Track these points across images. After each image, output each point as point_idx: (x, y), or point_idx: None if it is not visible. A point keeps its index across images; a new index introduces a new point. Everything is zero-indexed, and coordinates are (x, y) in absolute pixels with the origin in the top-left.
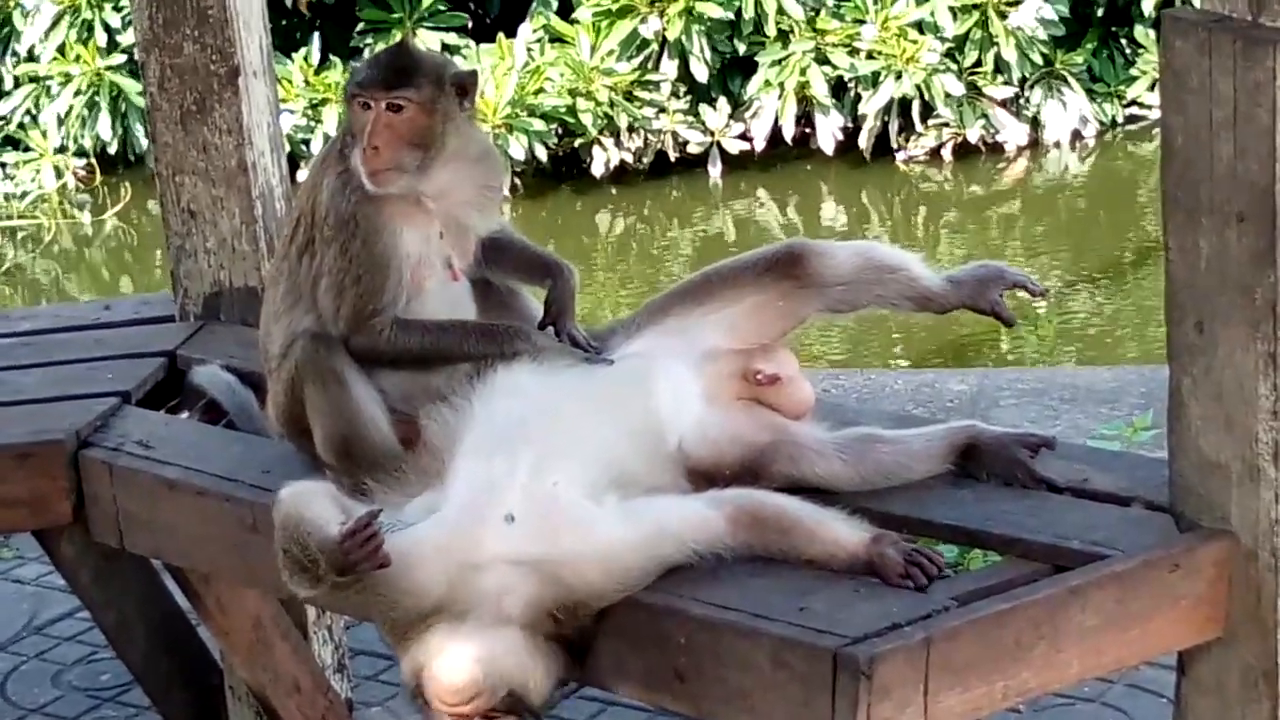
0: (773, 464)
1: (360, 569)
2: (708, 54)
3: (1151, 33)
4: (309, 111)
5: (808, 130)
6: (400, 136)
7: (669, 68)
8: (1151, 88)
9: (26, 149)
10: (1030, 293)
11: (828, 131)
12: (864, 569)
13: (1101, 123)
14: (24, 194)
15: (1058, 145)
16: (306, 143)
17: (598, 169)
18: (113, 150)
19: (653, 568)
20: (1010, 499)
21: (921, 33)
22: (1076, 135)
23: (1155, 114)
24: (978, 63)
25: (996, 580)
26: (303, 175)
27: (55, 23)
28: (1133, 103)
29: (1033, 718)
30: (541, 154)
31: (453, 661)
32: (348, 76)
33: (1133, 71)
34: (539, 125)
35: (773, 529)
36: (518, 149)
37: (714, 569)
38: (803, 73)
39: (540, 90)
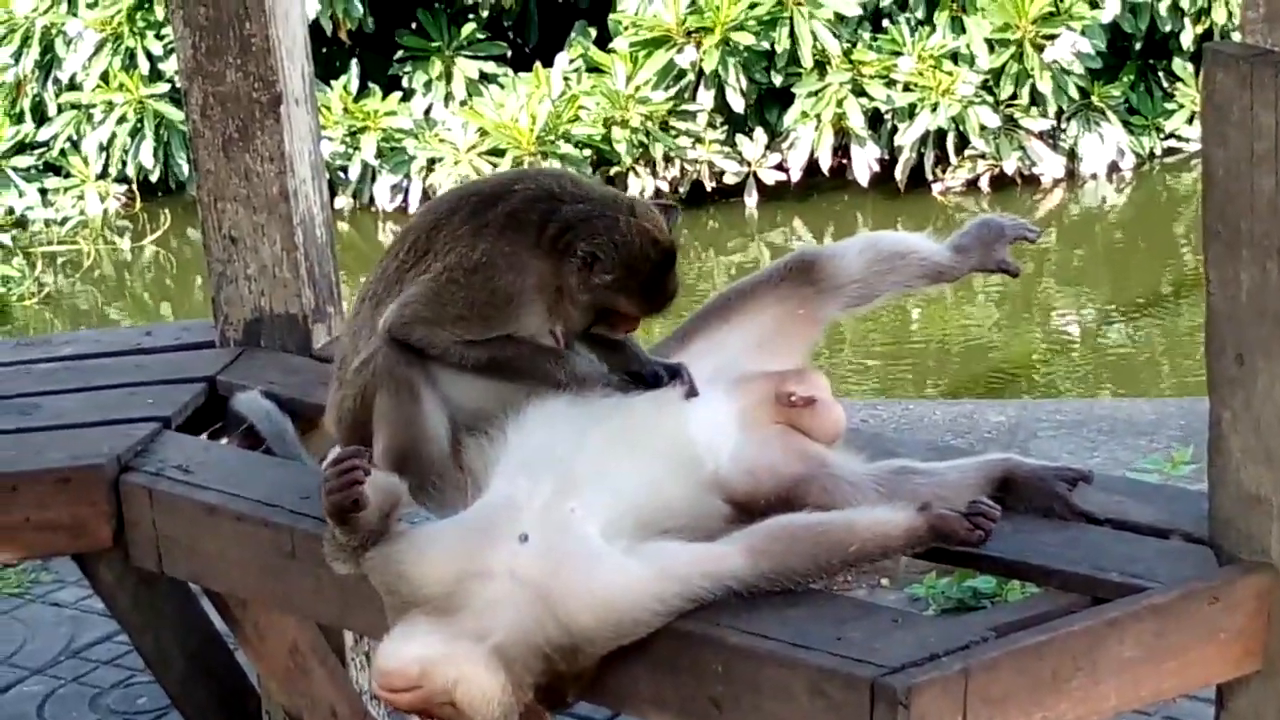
0: (808, 495)
1: (334, 499)
2: (744, 84)
3: (1189, 66)
4: (347, 139)
5: (844, 161)
6: None
7: (705, 98)
8: (1190, 120)
9: (68, 175)
10: (1029, 240)
11: (864, 163)
12: (928, 538)
13: (1139, 155)
14: (64, 220)
15: (1095, 177)
16: (344, 169)
17: None
18: (154, 177)
19: (651, 616)
20: (1048, 530)
21: (957, 64)
22: (1114, 167)
23: (1193, 146)
24: (1014, 95)
25: (1034, 612)
26: (341, 201)
27: (97, 50)
28: (1170, 135)
29: None
30: None
31: (397, 649)
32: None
33: (1170, 105)
34: (573, 152)
35: (802, 540)
36: None
37: (751, 598)
38: (839, 104)
39: (575, 118)
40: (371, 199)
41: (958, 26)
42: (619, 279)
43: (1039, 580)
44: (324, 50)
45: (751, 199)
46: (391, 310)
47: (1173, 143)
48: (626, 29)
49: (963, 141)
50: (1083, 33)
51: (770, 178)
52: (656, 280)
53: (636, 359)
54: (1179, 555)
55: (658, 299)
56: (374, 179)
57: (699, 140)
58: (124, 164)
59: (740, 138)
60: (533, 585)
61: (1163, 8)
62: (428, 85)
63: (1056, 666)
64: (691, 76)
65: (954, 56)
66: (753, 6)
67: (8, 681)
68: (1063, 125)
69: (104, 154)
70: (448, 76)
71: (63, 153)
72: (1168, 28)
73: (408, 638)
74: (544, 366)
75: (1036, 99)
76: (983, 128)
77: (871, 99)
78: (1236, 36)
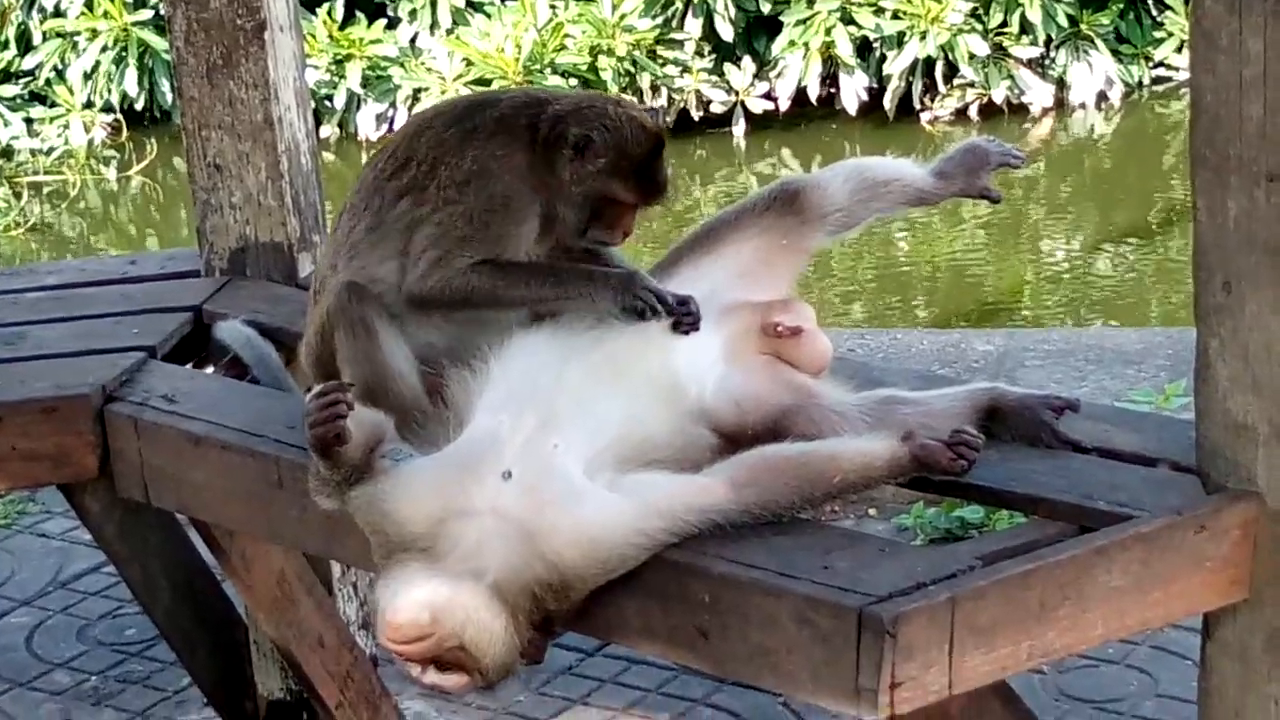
0: (794, 426)
1: (317, 432)
2: (732, 12)
3: None
4: (332, 67)
5: (832, 90)
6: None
7: (693, 26)
8: (1178, 49)
9: (53, 104)
10: (1014, 167)
11: (852, 91)
12: (911, 467)
13: (1127, 84)
14: (50, 150)
15: (1083, 106)
16: (330, 98)
17: None
18: (139, 106)
19: (636, 550)
20: (1035, 459)
21: None
22: (1102, 96)
23: (1181, 75)
24: (1003, 23)
25: (1021, 540)
26: (326, 130)
27: None
28: (1159, 64)
29: (1057, 679)
30: None
31: (405, 598)
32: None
33: (1159, 33)
34: (559, 82)
35: (785, 471)
36: None
37: (738, 529)
38: (828, 32)
39: (561, 47)
40: (356, 128)
41: None
42: (611, 163)
43: (1026, 509)
44: None
45: (739, 128)
46: (412, 281)
47: (1161, 71)
48: None
49: (951, 70)
50: None
51: (758, 107)
52: (648, 166)
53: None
54: (1166, 484)
55: (650, 186)
56: (359, 108)
57: (686, 69)
58: (109, 93)
59: (728, 66)
60: (517, 523)
61: None
62: (413, 13)
63: (1044, 595)
64: (679, 4)
65: None
66: None
67: None
68: (1051, 54)
69: (89, 83)
70: (433, 4)
71: (48, 82)
72: None
73: (410, 585)
74: (562, 283)
75: (1025, 27)
76: (971, 56)
77: (860, 27)
78: None
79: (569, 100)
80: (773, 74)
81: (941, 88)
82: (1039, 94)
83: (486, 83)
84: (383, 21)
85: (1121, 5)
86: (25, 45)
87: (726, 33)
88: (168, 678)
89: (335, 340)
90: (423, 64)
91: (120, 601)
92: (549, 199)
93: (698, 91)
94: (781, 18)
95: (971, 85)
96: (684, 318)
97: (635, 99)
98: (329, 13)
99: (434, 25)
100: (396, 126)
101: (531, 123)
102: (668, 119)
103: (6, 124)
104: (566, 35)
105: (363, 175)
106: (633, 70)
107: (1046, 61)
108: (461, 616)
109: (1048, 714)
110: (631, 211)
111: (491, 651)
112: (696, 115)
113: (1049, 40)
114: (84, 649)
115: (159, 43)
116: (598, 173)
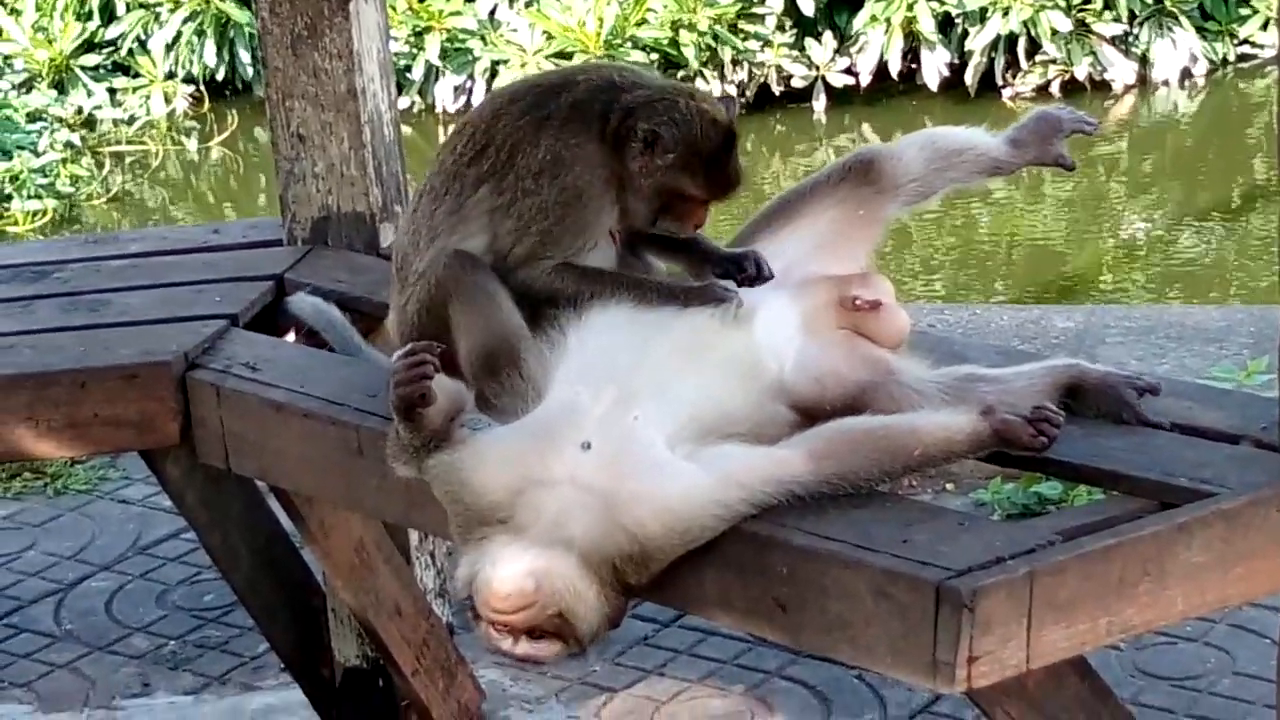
0: (874, 402)
1: (403, 392)
2: None
3: None
4: (412, 39)
5: (913, 66)
6: None
7: (775, 1)
8: (1264, 26)
9: (136, 75)
10: (1087, 133)
11: (933, 67)
12: (992, 442)
13: (1211, 61)
14: (132, 119)
15: (1166, 84)
16: (408, 69)
17: None
18: (220, 78)
19: (716, 522)
20: (1117, 435)
21: None
22: (1186, 74)
23: (1267, 53)
24: (1086, 0)
25: (1102, 516)
26: (404, 102)
27: None
28: (1244, 41)
29: (1134, 656)
30: None
31: (507, 568)
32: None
33: (1244, 10)
34: (640, 57)
35: (866, 443)
36: None
37: (817, 501)
38: (909, 8)
39: (643, 21)
40: (435, 100)
41: None
42: (681, 158)
43: (1107, 485)
44: None
45: (819, 103)
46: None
47: (1246, 49)
48: None
49: (1034, 46)
50: None
51: (839, 82)
52: (718, 161)
53: (715, 255)
54: (1249, 461)
55: (721, 180)
56: (437, 80)
57: (767, 43)
58: (190, 64)
59: (809, 41)
60: (597, 493)
61: None
62: None
63: (1123, 571)
64: None
65: None
66: None
67: (77, 576)
68: (1135, 30)
69: (171, 53)
70: None
71: (131, 52)
72: None
73: (509, 556)
74: (647, 297)
75: (1109, 3)
76: (1054, 32)
77: (942, 2)
78: None
79: (641, 91)
80: (854, 49)
81: (1023, 64)
82: (1121, 71)
83: (567, 56)
84: None
85: None
86: (109, 16)
87: (808, 7)
88: (245, 643)
89: (449, 310)
90: (502, 36)
91: (199, 567)
92: (621, 188)
93: (778, 66)
94: None
95: (1054, 62)
96: (756, 276)
97: (714, 83)
98: None
99: None
100: (475, 99)
101: (604, 111)
102: (748, 94)
103: (90, 94)
104: (648, 9)
105: (441, 157)
106: (714, 45)
107: (1130, 38)
108: (561, 585)
109: (1124, 690)
110: (702, 205)
111: (587, 618)
112: (777, 90)
113: (1132, 16)
114: (163, 614)
115: (239, 14)
116: (667, 168)
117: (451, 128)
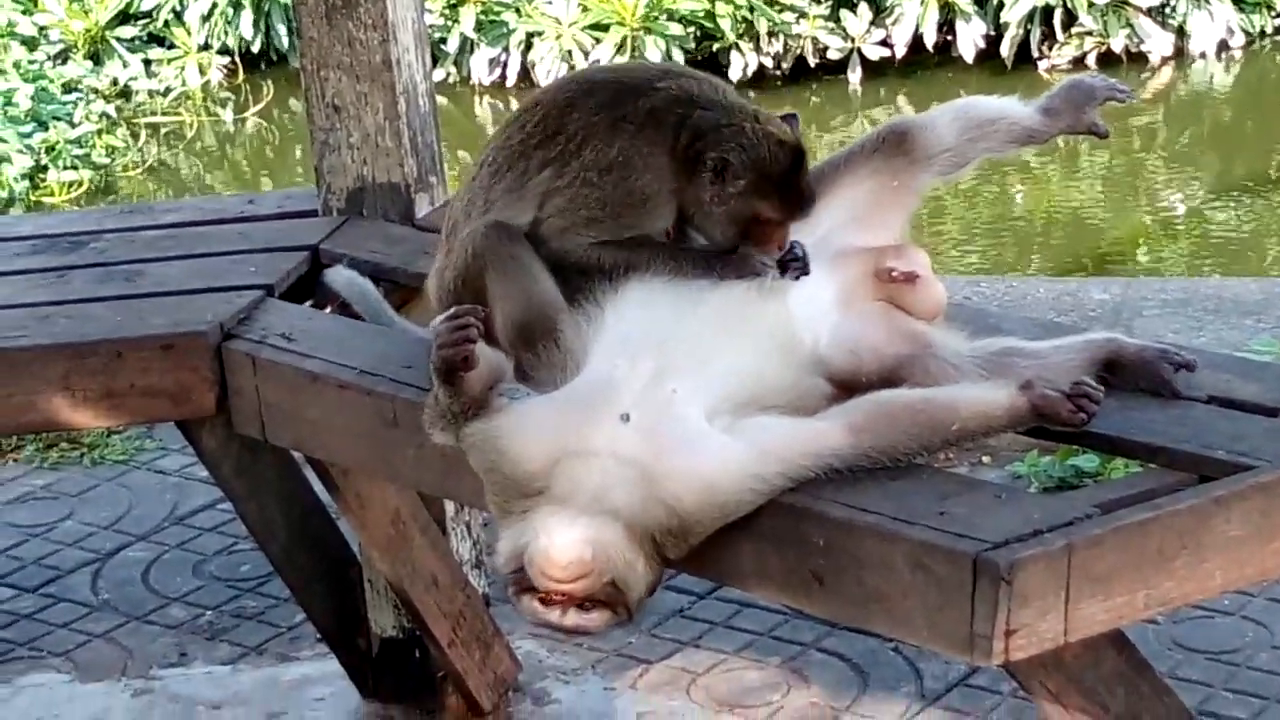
0: (910, 376)
1: (445, 354)
2: None
3: None
4: (446, 11)
5: (949, 37)
6: None
7: None
8: None
9: (171, 46)
10: (1119, 100)
11: (969, 39)
12: (1030, 417)
13: (1249, 33)
14: (168, 91)
15: (1203, 56)
16: (443, 41)
17: (735, 74)
18: (255, 49)
19: (754, 495)
20: (1154, 408)
21: None
22: (1223, 45)
23: None
24: None
25: (1139, 489)
26: (439, 74)
27: None
28: None
29: (1171, 630)
30: (679, 58)
31: (562, 537)
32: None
33: None
34: (677, 30)
35: (903, 418)
36: (655, 53)
37: (854, 473)
38: None
39: None
40: (470, 72)
41: None
42: (752, 183)
43: (1144, 458)
44: None
45: (855, 75)
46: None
47: None
48: None
49: (1070, 18)
50: None
51: (874, 54)
52: (789, 182)
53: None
54: None
55: (794, 199)
56: (472, 52)
57: (803, 15)
58: (225, 35)
59: (844, 13)
60: (636, 465)
61: None
62: None
63: (1162, 544)
64: None
65: None
66: None
67: (114, 546)
68: (1172, 2)
69: (206, 25)
70: None
71: (166, 24)
72: None
73: (558, 527)
74: (683, 268)
75: None
76: (1090, 4)
77: None
78: None
79: (710, 114)
80: (889, 21)
81: (1060, 35)
82: (1158, 43)
83: (604, 29)
84: None
85: None
86: None
87: None
88: (281, 614)
89: (485, 281)
90: (537, 8)
91: (235, 538)
92: (684, 204)
93: (814, 38)
94: None
95: (1090, 33)
96: (791, 263)
97: (750, 54)
98: None
99: None
100: (510, 71)
101: (678, 124)
102: (783, 66)
103: (125, 65)
104: None
105: (507, 133)
106: (750, 17)
107: (1167, 9)
108: (613, 553)
109: (1161, 664)
110: (780, 226)
111: (637, 587)
112: (813, 62)
113: None
114: (199, 584)
115: None
116: (739, 194)
117: (491, 104)
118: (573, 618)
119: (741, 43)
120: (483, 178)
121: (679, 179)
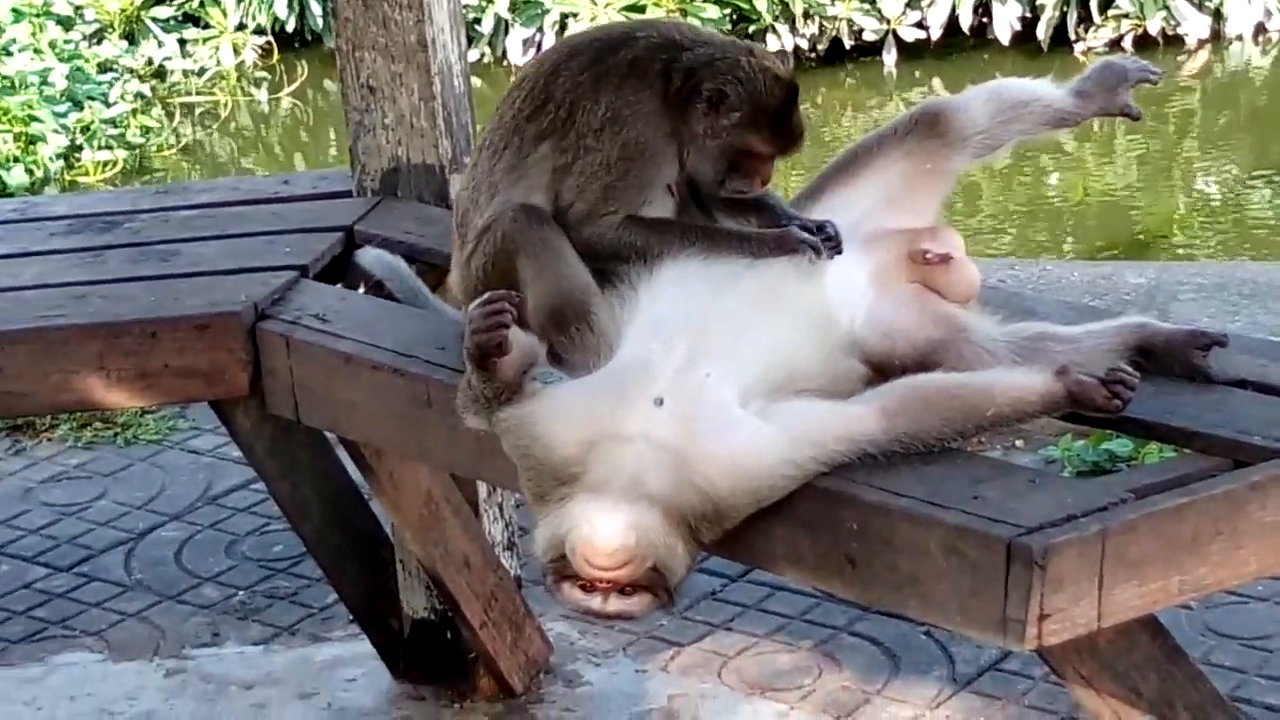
0: (944, 360)
1: (479, 339)
2: None
3: None
4: None
5: (985, 19)
6: None
7: None
8: None
9: (206, 26)
10: (1151, 82)
11: (1005, 21)
12: (1065, 403)
13: None
14: (202, 70)
15: (1240, 38)
16: (478, 21)
17: None
18: (290, 29)
19: (787, 480)
20: (1189, 393)
21: None
22: (1260, 28)
23: None
24: None
25: (1174, 474)
26: (474, 54)
27: None
28: None
29: (1204, 615)
30: None
31: (605, 524)
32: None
33: None
34: (713, 12)
35: (938, 402)
36: None
37: (888, 457)
38: None
39: None
40: (505, 52)
41: None
42: (746, 116)
43: (1179, 442)
44: None
45: (890, 57)
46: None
47: None
48: None
49: (1106, 0)
50: None
51: (910, 35)
52: (783, 116)
53: (785, 216)
54: None
55: (786, 134)
56: (506, 32)
57: None
58: (260, 15)
59: None
60: (670, 450)
61: None
62: None
63: (1196, 530)
64: None
65: None
66: None
67: (147, 525)
68: None
69: (241, 4)
70: None
71: (201, 3)
72: None
73: (599, 513)
74: (717, 247)
75: None
76: None
77: None
78: None
79: (702, 50)
80: (925, 3)
81: (1096, 18)
82: (1195, 25)
83: (639, 9)
84: None
85: None
86: None
87: None
88: (314, 594)
89: (515, 265)
90: None
91: (268, 518)
92: (683, 150)
93: (850, 20)
94: None
95: (1126, 16)
96: (825, 242)
97: (786, 36)
98: None
99: None
100: None
101: (665, 69)
102: (819, 48)
103: (160, 45)
104: None
105: (500, 111)
106: None
107: None
108: (655, 537)
109: (1194, 649)
110: (769, 161)
111: (678, 570)
112: (848, 43)
113: None
114: (232, 564)
115: None
116: (733, 126)
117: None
118: (615, 604)
119: (777, 24)
120: (483, 162)
121: (673, 121)
